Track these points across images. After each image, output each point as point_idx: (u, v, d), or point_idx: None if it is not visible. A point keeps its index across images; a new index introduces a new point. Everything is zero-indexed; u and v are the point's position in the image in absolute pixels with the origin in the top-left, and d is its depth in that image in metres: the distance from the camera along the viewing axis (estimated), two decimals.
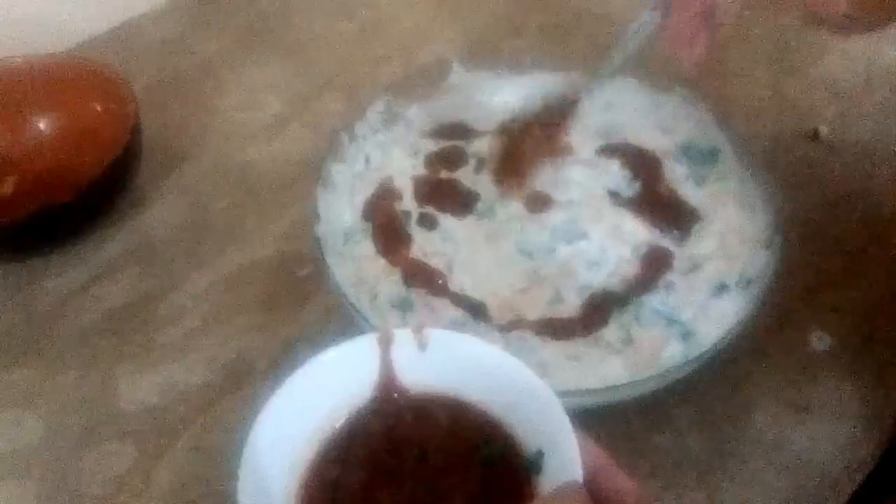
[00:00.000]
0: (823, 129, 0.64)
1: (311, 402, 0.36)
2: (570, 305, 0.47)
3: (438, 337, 0.37)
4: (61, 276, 0.58)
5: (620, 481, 0.31)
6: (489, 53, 0.72)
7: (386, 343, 0.37)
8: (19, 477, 0.46)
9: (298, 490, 0.34)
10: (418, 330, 0.37)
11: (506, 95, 0.59)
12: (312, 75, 0.72)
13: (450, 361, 0.36)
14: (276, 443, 0.34)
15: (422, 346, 0.37)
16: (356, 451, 0.36)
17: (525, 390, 0.34)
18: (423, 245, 0.51)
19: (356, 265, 0.49)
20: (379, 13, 0.79)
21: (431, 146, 0.57)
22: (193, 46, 0.77)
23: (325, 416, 0.36)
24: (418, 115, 0.58)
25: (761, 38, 0.72)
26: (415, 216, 0.52)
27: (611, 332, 0.46)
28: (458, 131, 0.58)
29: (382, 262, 0.50)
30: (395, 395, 0.37)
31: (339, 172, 0.53)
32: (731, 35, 0.72)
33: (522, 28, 0.76)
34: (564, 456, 0.31)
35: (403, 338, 0.37)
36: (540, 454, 0.33)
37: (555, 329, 0.46)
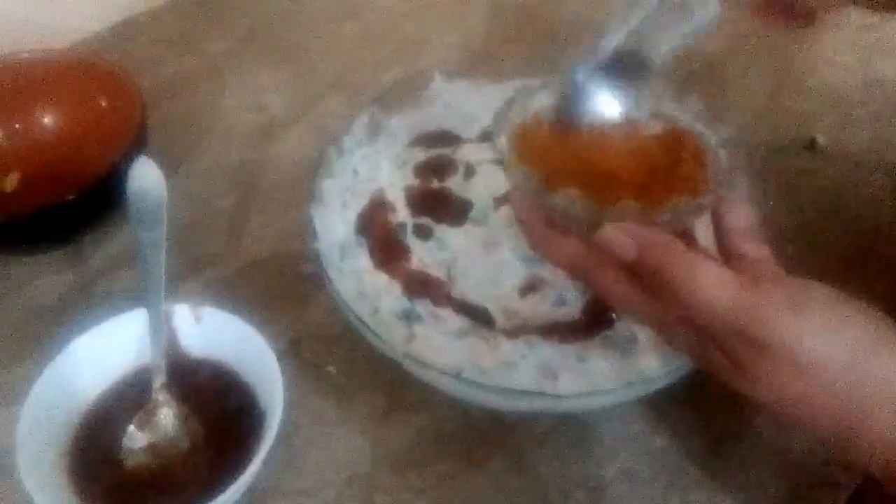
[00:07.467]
0: (820, 139, 0.65)
1: (92, 364, 0.46)
2: (574, 307, 0.48)
3: (209, 313, 0.47)
4: (64, 273, 0.57)
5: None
6: (488, 58, 0.73)
7: (169, 317, 0.46)
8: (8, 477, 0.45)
9: (77, 428, 0.45)
10: (195, 307, 0.47)
11: (486, 102, 0.58)
12: (316, 77, 0.73)
13: (216, 332, 0.47)
14: (59, 396, 0.44)
15: (198, 319, 0.47)
16: (129, 403, 0.46)
17: (258, 352, 0.45)
18: (422, 256, 0.50)
19: (355, 279, 0.49)
20: (382, 17, 0.80)
21: (418, 156, 0.56)
22: (197, 46, 0.76)
23: (107, 375, 0.46)
24: (401, 125, 0.58)
25: (759, 48, 0.73)
26: (410, 227, 0.52)
27: (616, 331, 0.46)
28: (442, 139, 0.57)
29: (382, 275, 0.49)
30: (179, 356, 0.47)
31: (330, 187, 0.53)
32: (729, 44, 0.73)
33: (522, 35, 0.76)
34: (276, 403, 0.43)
35: (182, 312, 0.47)
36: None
37: (560, 332, 0.46)
